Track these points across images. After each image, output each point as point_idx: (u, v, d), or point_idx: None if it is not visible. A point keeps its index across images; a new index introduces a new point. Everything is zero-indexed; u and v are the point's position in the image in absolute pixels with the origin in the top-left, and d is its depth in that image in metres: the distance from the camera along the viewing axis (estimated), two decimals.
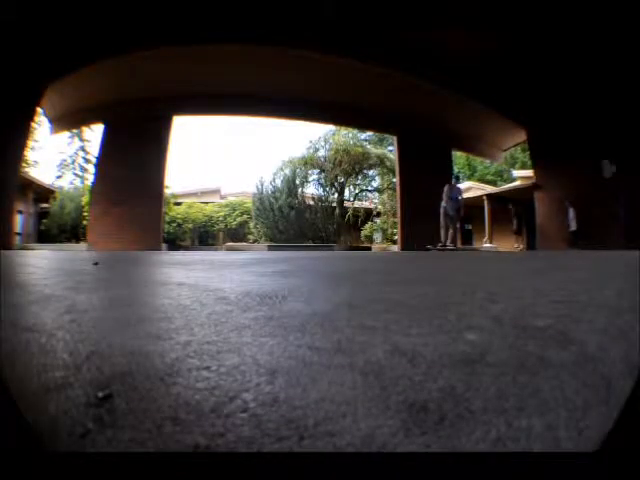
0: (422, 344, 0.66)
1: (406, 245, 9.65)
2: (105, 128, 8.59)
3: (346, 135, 17.31)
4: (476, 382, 0.49)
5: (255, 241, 15.02)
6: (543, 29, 6.40)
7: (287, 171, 15.61)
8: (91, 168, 17.81)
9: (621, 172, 7.77)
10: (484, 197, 15.41)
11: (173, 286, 1.52)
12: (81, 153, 24.12)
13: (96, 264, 2.47)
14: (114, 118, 8.40)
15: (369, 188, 19.10)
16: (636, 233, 6.99)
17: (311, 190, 16.72)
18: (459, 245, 10.30)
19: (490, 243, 14.03)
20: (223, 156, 64.96)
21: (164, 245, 9.72)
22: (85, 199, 12.97)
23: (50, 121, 9.12)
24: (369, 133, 20.51)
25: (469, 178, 25.42)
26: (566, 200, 9.64)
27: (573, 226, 9.77)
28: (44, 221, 15.72)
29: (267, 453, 0.35)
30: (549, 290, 1.37)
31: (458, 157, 23.23)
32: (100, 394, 0.46)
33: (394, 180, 13.05)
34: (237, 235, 16.31)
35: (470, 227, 18.40)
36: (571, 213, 9.66)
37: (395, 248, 11.14)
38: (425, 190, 9.74)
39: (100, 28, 6.11)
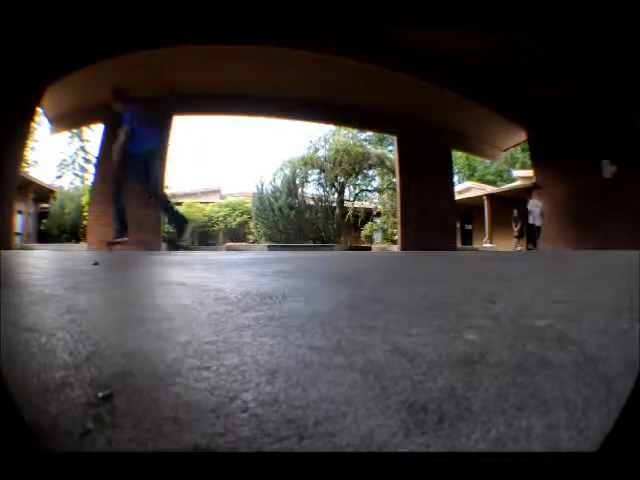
0: (422, 344, 0.66)
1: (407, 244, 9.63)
2: (105, 128, 8.58)
3: (346, 135, 17.32)
4: (476, 382, 0.49)
5: (255, 241, 15.02)
6: (543, 28, 6.40)
7: (287, 171, 15.60)
8: (91, 168, 17.83)
9: (621, 172, 7.77)
10: (484, 197, 15.43)
11: (173, 286, 1.52)
12: (81, 153, 24.15)
13: (96, 264, 2.47)
14: (114, 118, 8.38)
15: (369, 188, 19.11)
16: (636, 233, 6.99)
17: (311, 190, 16.73)
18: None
19: (490, 243, 14.04)
20: (223, 156, 64.94)
21: (164, 245, 9.71)
22: (85, 199, 12.98)
23: (50, 121, 9.11)
24: (369, 133, 20.53)
25: (469, 178, 25.45)
26: (532, 196, 9.16)
27: (536, 221, 9.10)
28: (44, 221, 15.73)
29: (267, 453, 0.35)
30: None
31: (458, 157, 23.25)
32: (100, 394, 0.46)
33: (394, 180, 13.04)
34: (237, 235, 16.32)
35: (470, 227, 18.43)
36: (534, 207, 9.00)
37: (395, 248, 11.14)
38: (425, 190, 9.74)
39: (100, 28, 6.10)
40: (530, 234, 9.61)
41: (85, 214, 11.75)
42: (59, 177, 24.17)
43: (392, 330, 0.76)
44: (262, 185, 15.08)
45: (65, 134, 21.06)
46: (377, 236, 15.88)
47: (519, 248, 12.53)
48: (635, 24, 5.05)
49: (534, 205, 9.39)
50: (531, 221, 9.41)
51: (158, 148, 5.51)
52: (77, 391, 0.47)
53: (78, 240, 13.97)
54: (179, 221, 5.46)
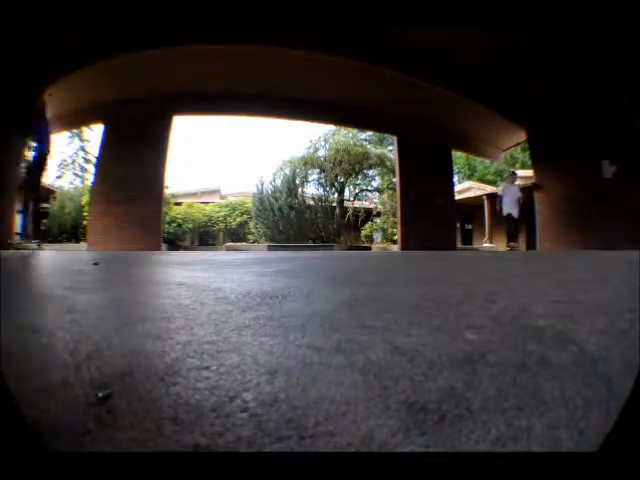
0: (422, 344, 0.66)
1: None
2: (105, 128, 8.58)
3: (346, 135, 17.32)
4: (476, 382, 0.49)
5: (255, 241, 15.01)
6: (543, 28, 6.40)
7: (287, 171, 15.59)
8: (91, 168, 17.83)
9: (621, 172, 7.77)
10: (484, 197, 15.43)
11: (173, 286, 1.52)
12: (81, 153, 24.14)
13: (96, 264, 2.47)
14: (114, 118, 8.39)
15: (369, 188, 19.10)
16: (636, 234, 6.99)
17: (311, 190, 16.72)
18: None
19: (490, 243, 14.03)
20: (223, 156, 64.95)
21: (164, 245, 9.72)
22: (85, 199, 12.97)
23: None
24: (369, 133, 20.52)
25: (469, 178, 25.45)
26: (508, 181, 7.82)
27: (513, 211, 7.59)
28: (44, 221, 15.71)
29: (267, 453, 0.35)
30: None
31: (458, 157, 23.24)
32: (100, 394, 0.46)
33: (394, 180, 13.04)
34: (237, 235, 16.32)
35: (470, 227, 18.43)
36: (509, 193, 7.66)
37: (395, 248, 11.14)
38: (425, 190, 9.74)
39: (100, 28, 6.11)
40: (509, 228, 7.90)
41: (85, 214, 11.74)
42: (59, 177, 24.14)
43: (392, 330, 0.76)
44: (262, 185, 15.07)
45: (65, 134, 21.07)
46: (377, 236, 15.87)
47: (517, 247, 12.50)
48: (635, 24, 5.05)
49: (508, 191, 7.77)
50: (506, 210, 7.77)
51: (49, 153, 6.56)
52: (77, 391, 0.47)
53: (78, 240, 13.97)
54: (36, 219, 6.21)
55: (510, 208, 7.94)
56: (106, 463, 0.34)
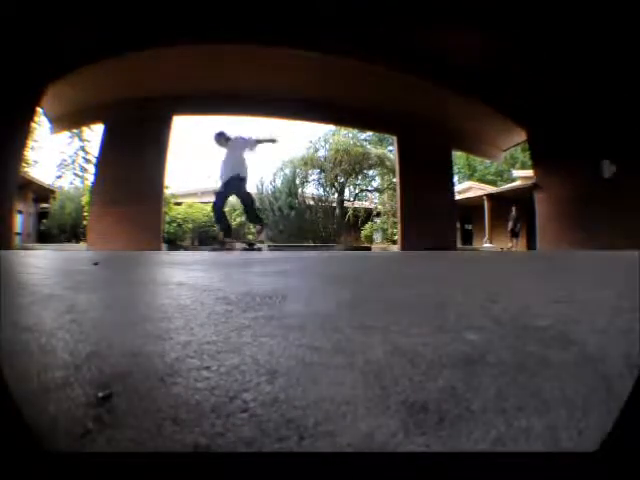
0: (422, 344, 0.66)
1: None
2: (105, 128, 8.58)
3: (346, 135, 17.33)
4: (476, 382, 0.49)
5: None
6: (543, 28, 6.40)
7: (287, 171, 15.62)
8: (91, 168, 17.85)
9: (621, 172, 7.77)
10: (484, 197, 15.42)
11: (173, 286, 1.52)
12: (81, 153, 24.17)
13: (96, 264, 2.47)
14: (114, 118, 8.39)
15: (369, 188, 19.11)
16: (636, 234, 6.99)
17: (311, 190, 16.74)
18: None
19: (490, 243, 14.03)
20: (223, 156, 64.71)
21: (164, 245, 9.71)
22: (85, 199, 12.97)
23: (50, 121, 9.11)
24: (369, 133, 20.54)
25: (469, 178, 25.47)
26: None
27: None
28: (44, 221, 15.72)
29: (267, 453, 0.35)
30: None
31: (458, 157, 23.27)
32: (100, 394, 0.46)
33: (394, 180, 13.04)
34: (237, 235, 16.33)
35: (470, 227, 18.42)
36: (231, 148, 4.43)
37: (395, 248, 11.13)
38: (425, 190, 9.74)
39: (100, 28, 6.11)
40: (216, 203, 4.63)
41: (85, 214, 11.75)
42: (59, 177, 24.19)
43: (392, 330, 0.76)
44: (262, 185, 15.09)
45: (65, 134, 21.09)
46: (377, 236, 15.88)
47: (513, 247, 12.54)
48: (635, 24, 5.05)
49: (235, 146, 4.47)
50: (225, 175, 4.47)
51: None
52: (77, 391, 0.47)
53: (78, 240, 13.97)
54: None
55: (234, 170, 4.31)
56: (106, 463, 0.34)
